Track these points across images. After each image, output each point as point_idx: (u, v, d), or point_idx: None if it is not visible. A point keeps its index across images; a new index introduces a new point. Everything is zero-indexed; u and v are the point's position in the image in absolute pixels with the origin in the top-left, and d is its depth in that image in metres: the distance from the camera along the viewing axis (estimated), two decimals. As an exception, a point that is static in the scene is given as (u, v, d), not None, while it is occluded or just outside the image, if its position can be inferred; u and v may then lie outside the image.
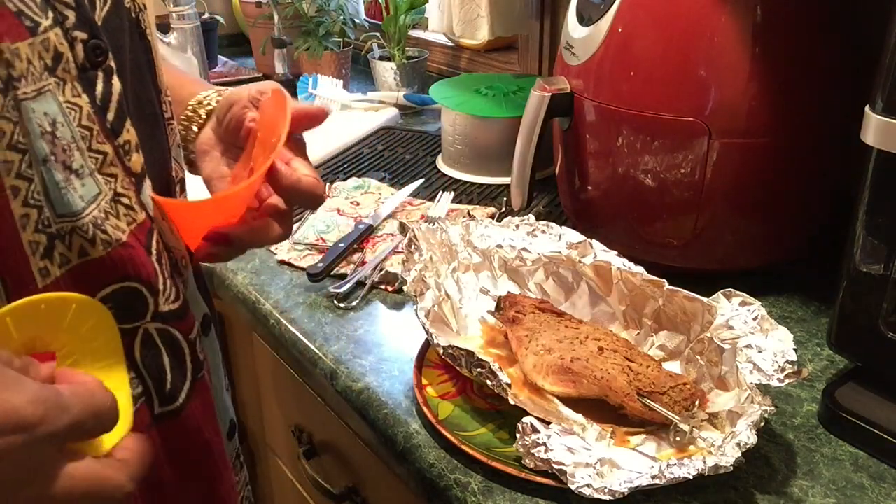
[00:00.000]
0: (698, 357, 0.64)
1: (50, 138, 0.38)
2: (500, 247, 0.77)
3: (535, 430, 0.56)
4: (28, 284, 0.38)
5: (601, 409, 0.62)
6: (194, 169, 0.59)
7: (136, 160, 0.44)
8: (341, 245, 0.89)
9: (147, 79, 0.48)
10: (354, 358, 0.73)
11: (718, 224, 0.77)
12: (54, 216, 0.39)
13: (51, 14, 0.38)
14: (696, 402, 0.59)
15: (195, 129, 0.58)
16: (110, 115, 0.42)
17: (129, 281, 0.43)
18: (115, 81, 0.42)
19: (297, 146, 0.55)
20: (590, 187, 0.83)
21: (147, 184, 0.45)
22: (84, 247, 0.40)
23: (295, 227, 0.95)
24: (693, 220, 0.76)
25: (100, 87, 0.41)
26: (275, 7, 1.46)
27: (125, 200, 0.43)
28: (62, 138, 0.39)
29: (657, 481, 0.52)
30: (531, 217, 0.79)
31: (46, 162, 0.38)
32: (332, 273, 0.86)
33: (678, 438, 0.59)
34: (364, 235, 0.93)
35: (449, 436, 0.60)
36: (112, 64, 0.42)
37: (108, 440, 0.37)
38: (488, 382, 0.60)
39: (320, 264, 0.85)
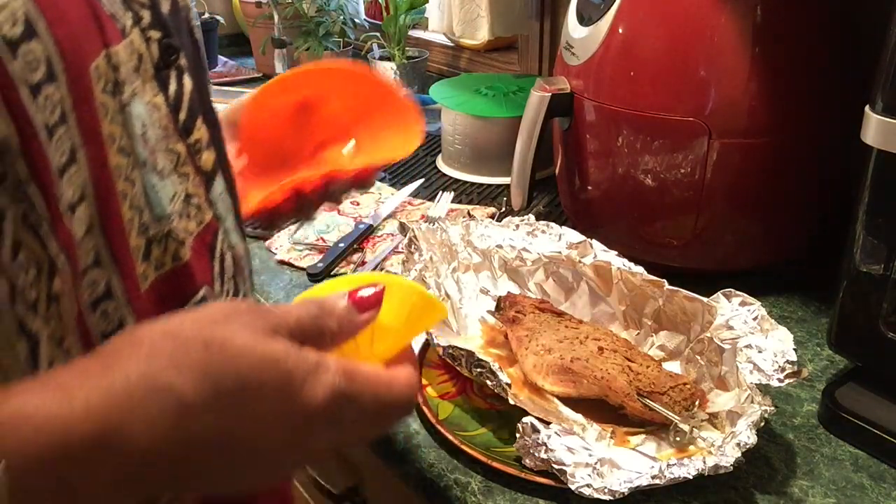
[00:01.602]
0: (698, 357, 0.64)
1: (142, 141, 0.38)
2: (500, 247, 0.77)
3: (535, 430, 0.56)
4: (135, 290, 0.38)
5: (601, 409, 0.61)
6: None
7: (208, 158, 0.43)
8: (341, 245, 0.89)
9: (203, 78, 0.47)
10: (354, 358, 0.73)
11: (718, 224, 0.77)
12: (151, 219, 0.39)
13: (129, 14, 0.38)
14: (696, 402, 0.59)
15: None
16: (182, 115, 0.41)
17: (205, 289, 0.42)
18: (186, 80, 0.42)
19: None
20: (590, 187, 0.83)
21: (218, 181, 0.44)
22: (178, 251, 0.40)
23: (294, 227, 0.95)
24: (693, 220, 0.76)
25: (172, 87, 0.40)
26: (275, 7, 1.46)
27: (195, 200, 0.42)
28: (150, 140, 0.38)
29: (657, 481, 0.52)
30: (531, 217, 0.79)
31: (145, 165, 0.38)
32: (332, 273, 0.86)
33: (678, 438, 0.59)
34: (364, 235, 0.93)
35: (449, 436, 0.60)
36: (182, 62, 0.41)
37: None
38: (488, 382, 0.60)
39: (320, 264, 0.85)
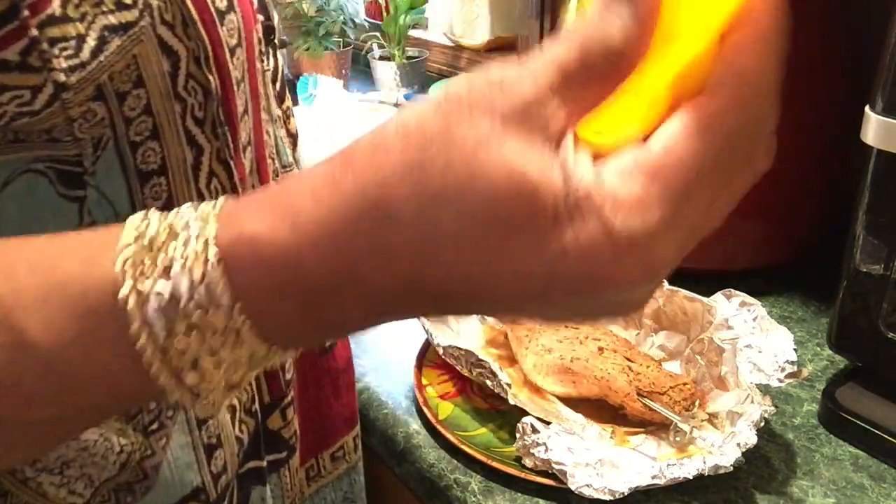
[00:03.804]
0: (698, 357, 0.64)
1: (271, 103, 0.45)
2: (500, 247, 0.77)
3: (535, 430, 0.56)
4: None
5: (601, 409, 0.62)
6: None
7: (293, 123, 0.50)
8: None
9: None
10: (354, 358, 0.73)
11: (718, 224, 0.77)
12: (280, 167, 0.46)
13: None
14: (696, 402, 0.59)
15: None
16: (278, 85, 0.47)
17: None
18: (279, 56, 0.49)
19: None
20: (590, 187, 0.83)
21: (300, 144, 0.51)
22: None
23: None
24: (693, 220, 0.76)
25: (271, 62, 0.47)
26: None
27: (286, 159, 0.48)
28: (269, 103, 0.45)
29: (657, 481, 0.52)
30: (531, 217, 0.79)
31: (276, 122, 0.45)
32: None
33: (678, 438, 0.59)
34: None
35: (449, 436, 0.60)
36: (276, 41, 0.48)
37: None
38: (488, 382, 0.60)
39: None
